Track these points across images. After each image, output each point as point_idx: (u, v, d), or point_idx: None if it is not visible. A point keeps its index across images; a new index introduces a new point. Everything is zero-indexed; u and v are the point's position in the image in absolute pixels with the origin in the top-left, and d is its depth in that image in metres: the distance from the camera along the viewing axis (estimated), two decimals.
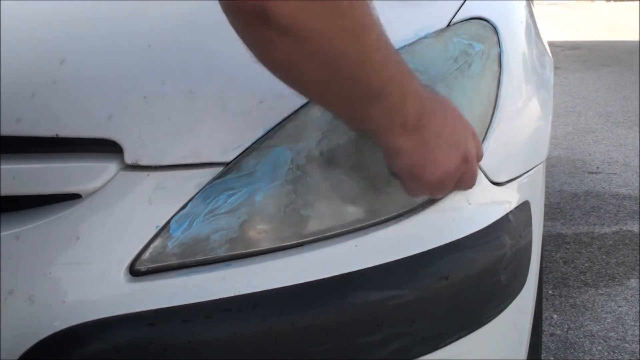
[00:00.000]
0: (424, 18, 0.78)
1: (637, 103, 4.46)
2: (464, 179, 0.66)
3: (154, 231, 0.61)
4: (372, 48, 0.52)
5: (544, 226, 1.04)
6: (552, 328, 1.76)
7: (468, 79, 0.76)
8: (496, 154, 0.76)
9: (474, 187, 0.72)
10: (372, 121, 0.57)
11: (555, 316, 1.82)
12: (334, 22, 0.48)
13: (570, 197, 2.74)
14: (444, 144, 0.61)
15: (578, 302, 1.89)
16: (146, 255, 0.62)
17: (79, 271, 0.60)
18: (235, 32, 0.50)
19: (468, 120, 0.65)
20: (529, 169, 0.84)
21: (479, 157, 0.67)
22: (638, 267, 2.09)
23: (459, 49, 0.77)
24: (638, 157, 3.25)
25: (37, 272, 0.59)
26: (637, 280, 2.01)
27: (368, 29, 0.51)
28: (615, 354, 1.63)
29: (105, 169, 0.61)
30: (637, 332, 1.72)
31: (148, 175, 0.62)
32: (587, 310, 1.85)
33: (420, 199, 0.69)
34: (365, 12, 0.51)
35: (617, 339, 1.70)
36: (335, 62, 0.50)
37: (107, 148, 0.62)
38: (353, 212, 0.67)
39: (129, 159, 0.61)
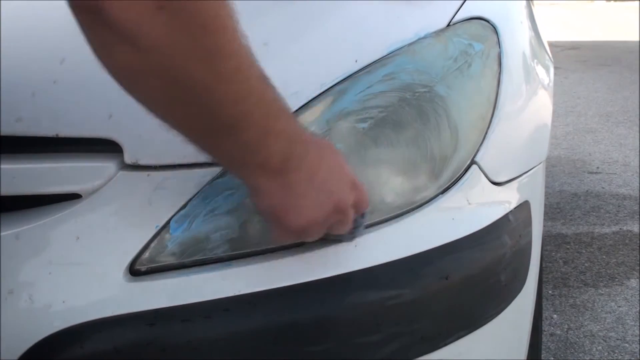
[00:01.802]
0: (424, 18, 0.78)
1: (637, 103, 4.46)
2: (335, 227, 0.61)
3: (154, 231, 0.61)
4: (225, 78, 0.47)
5: (544, 226, 1.04)
6: (552, 328, 1.76)
7: (468, 79, 0.76)
8: (496, 154, 0.76)
9: (474, 187, 0.72)
10: (222, 154, 0.54)
11: (555, 316, 1.82)
12: (181, 40, 0.44)
13: (570, 197, 2.74)
14: (312, 192, 0.56)
15: (578, 302, 1.89)
16: (146, 255, 0.62)
17: (79, 271, 0.60)
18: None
19: (349, 169, 0.61)
20: (528, 168, 0.84)
21: (363, 205, 0.62)
22: (638, 267, 2.09)
23: (459, 49, 0.77)
24: (638, 157, 3.25)
25: (37, 272, 0.59)
26: (637, 280, 2.01)
27: (225, 57, 0.47)
28: (615, 354, 1.63)
29: (105, 169, 0.62)
30: (637, 332, 1.72)
31: (148, 175, 0.62)
32: (587, 310, 1.85)
33: (421, 198, 0.69)
34: (226, 38, 0.46)
35: (617, 339, 1.70)
36: (179, 83, 0.46)
37: (107, 148, 0.62)
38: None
39: (128, 158, 0.61)
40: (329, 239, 0.63)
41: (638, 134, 3.68)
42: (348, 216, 0.61)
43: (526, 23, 1.05)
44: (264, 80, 0.51)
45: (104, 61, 0.47)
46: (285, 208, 0.56)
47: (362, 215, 0.63)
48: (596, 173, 3.05)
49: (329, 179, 0.58)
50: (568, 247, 2.26)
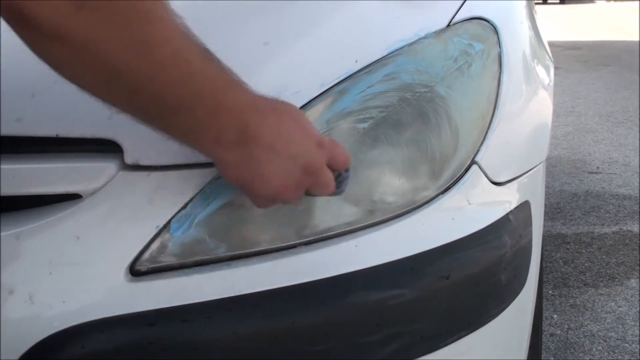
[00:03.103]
0: (424, 18, 0.78)
1: (637, 103, 4.46)
2: (315, 189, 0.61)
3: (154, 231, 0.61)
4: (162, 65, 0.47)
5: (544, 226, 1.04)
6: (552, 328, 1.76)
7: (468, 79, 0.76)
8: (496, 154, 0.76)
9: (475, 187, 0.72)
10: (176, 133, 0.54)
11: (555, 316, 1.82)
12: (108, 35, 0.44)
13: (570, 197, 2.74)
14: (276, 158, 0.56)
15: (578, 302, 1.89)
16: (146, 255, 0.62)
17: (79, 271, 0.60)
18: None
19: (313, 130, 0.60)
20: (529, 169, 0.84)
21: (340, 161, 0.61)
22: (638, 267, 2.09)
23: (459, 49, 0.77)
24: (638, 157, 3.25)
25: (37, 272, 0.59)
26: (637, 280, 2.01)
27: (157, 45, 0.47)
28: (615, 354, 1.63)
29: (106, 169, 0.61)
30: (637, 332, 1.72)
31: (148, 175, 0.62)
32: (587, 310, 1.85)
33: (421, 198, 0.69)
34: (155, 26, 0.47)
35: (617, 339, 1.70)
36: (118, 76, 0.47)
37: (107, 148, 0.62)
38: (353, 212, 0.67)
39: (129, 159, 0.61)
40: (318, 197, 0.63)
41: (638, 134, 3.68)
42: (323, 176, 0.60)
43: (526, 23, 1.05)
44: (207, 57, 0.51)
45: (39, 57, 0.47)
46: (250, 178, 0.56)
47: (347, 170, 0.63)
48: (596, 173, 3.05)
49: (291, 143, 0.57)
50: (568, 247, 2.26)
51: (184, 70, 0.49)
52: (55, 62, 0.47)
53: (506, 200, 0.77)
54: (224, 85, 0.53)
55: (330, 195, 0.63)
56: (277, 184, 0.57)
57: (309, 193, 0.61)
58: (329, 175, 0.61)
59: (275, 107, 0.58)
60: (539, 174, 0.90)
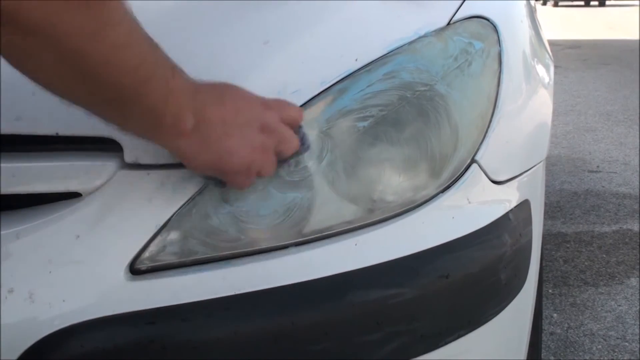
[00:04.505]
0: (424, 17, 0.78)
1: (637, 102, 4.46)
2: (282, 148, 0.62)
3: (154, 230, 0.61)
4: (119, 45, 0.47)
5: (544, 225, 1.04)
6: (552, 327, 1.76)
7: (468, 77, 0.76)
8: (496, 152, 0.76)
9: (475, 186, 0.72)
10: (131, 125, 0.54)
11: (555, 315, 1.82)
12: (62, 18, 0.43)
13: (570, 195, 2.74)
14: (231, 129, 0.57)
15: (578, 301, 1.89)
16: (146, 254, 0.62)
17: (79, 270, 0.60)
18: None
19: (251, 94, 0.61)
20: (529, 167, 0.84)
21: (293, 117, 0.62)
22: (638, 266, 2.09)
23: (459, 47, 0.77)
24: (638, 156, 3.25)
25: (37, 270, 0.59)
26: (637, 279, 2.01)
27: (114, 25, 0.46)
28: (615, 353, 1.63)
29: (105, 168, 0.61)
30: (637, 331, 1.72)
31: (148, 174, 0.62)
32: (587, 309, 1.85)
33: (421, 197, 0.69)
34: (111, 6, 0.46)
35: (617, 338, 1.70)
36: (72, 62, 0.46)
37: (107, 147, 0.62)
38: (353, 211, 0.67)
39: (128, 157, 0.61)
40: (291, 160, 0.64)
41: (638, 133, 3.68)
42: (282, 132, 0.61)
43: (526, 22, 1.05)
44: (151, 41, 0.51)
45: None
46: (218, 158, 0.57)
47: (300, 126, 0.64)
48: (596, 172, 3.05)
49: (239, 112, 0.58)
50: (568, 245, 2.27)
51: (136, 52, 0.49)
52: (8, 47, 0.45)
53: (506, 199, 0.77)
54: (172, 70, 0.53)
55: (298, 154, 0.64)
56: (243, 153, 0.58)
57: (280, 157, 0.62)
58: (289, 131, 0.62)
59: (213, 86, 0.59)
60: (539, 172, 0.90)
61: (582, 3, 19.33)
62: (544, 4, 20.75)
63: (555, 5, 19.40)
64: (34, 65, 0.47)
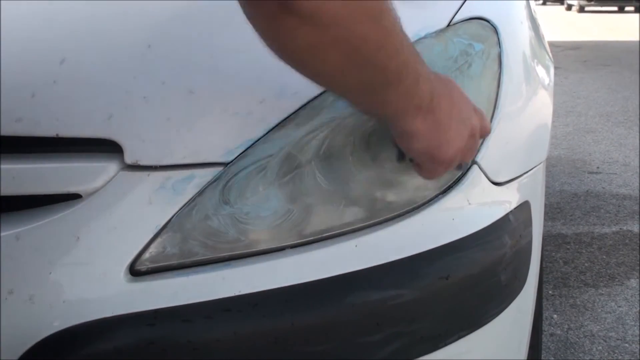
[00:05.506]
0: (424, 18, 0.78)
1: (637, 103, 4.46)
2: (467, 154, 0.67)
3: (154, 231, 0.61)
4: (389, 32, 0.52)
5: (544, 226, 1.04)
6: (552, 328, 1.76)
7: (468, 79, 0.76)
8: (496, 154, 0.76)
9: (475, 187, 0.72)
10: (390, 105, 0.57)
11: (555, 316, 1.82)
12: (355, 7, 0.48)
13: (570, 197, 2.74)
14: (454, 123, 0.62)
15: (578, 302, 1.89)
16: (146, 255, 0.62)
17: (79, 271, 0.60)
18: (251, 23, 0.50)
19: (467, 95, 0.67)
20: (529, 169, 0.84)
21: (485, 130, 0.69)
22: (638, 267, 2.09)
23: (459, 48, 0.77)
24: (638, 157, 3.25)
25: (37, 272, 0.59)
26: (637, 280, 2.01)
27: (385, 12, 0.51)
28: (616, 354, 1.63)
29: (105, 169, 0.61)
30: (637, 332, 1.72)
31: (148, 175, 0.62)
32: (587, 310, 1.85)
33: (422, 197, 0.69)
34: None
35: (617, 339, 1.70)
36: (357, 47, 0.50)
37: (107, 148, 0.62)
38: (353, 212, 0.67)
39: (129, 159, 0.61)
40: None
41: (638, 134, 3.68)
42: (478, 141, 0.67)
43: (526, 23, 1.05)
44: (403, 27, 0.55)
45: (284, 48, 0.50)
46: (438, 144, 0.62)
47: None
48: (596, 173, 3.05)
49: (461, 108, 0.64)
50: (568, 247, 2.26)
51: (400, 38, 0.54)
52: (301, 46, 0.49)
53: (506, 200, 0.77)
54: (418, 55, 0.58)
55: (461, 168, 0.69)
56: (455, 147, 0.63)
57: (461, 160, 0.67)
58: (479, 141, 0.68)
59: (440, 77, 0.63)
60: (539, 174, 0.90)
61: (616, 8, 16.39)
62: (569, 9, 18.21)
63: (581, 10, 16.66)
64: (323, 58, 0.50)
